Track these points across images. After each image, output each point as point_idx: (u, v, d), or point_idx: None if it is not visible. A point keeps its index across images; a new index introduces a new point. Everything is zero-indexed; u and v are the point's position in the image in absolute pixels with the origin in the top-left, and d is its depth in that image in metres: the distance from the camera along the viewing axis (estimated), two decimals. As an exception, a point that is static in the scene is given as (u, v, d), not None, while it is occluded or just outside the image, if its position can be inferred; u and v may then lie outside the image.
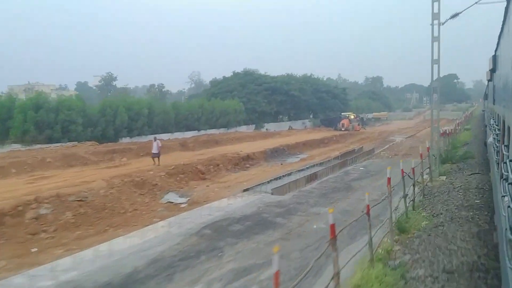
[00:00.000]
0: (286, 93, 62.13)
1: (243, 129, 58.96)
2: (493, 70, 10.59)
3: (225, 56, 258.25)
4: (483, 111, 49.07)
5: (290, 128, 61.95)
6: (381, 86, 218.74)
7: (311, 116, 74.63)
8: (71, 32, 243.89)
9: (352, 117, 71.32)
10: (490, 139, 12.71)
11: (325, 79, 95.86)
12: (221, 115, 56.37)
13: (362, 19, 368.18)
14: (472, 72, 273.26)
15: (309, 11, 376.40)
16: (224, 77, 73.88)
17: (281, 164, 30.60)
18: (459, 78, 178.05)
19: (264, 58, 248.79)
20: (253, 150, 33.47)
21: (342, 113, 69.71)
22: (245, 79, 67.65)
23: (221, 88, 67.57)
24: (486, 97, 32.65)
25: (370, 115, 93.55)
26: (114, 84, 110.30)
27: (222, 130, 55.05)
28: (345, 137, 51.83)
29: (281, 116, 67.58)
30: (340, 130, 58.96)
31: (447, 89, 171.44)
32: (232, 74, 72.46)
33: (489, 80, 14.18)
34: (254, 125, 62.23)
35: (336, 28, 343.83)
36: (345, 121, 60.54)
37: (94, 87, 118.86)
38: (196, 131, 51.33)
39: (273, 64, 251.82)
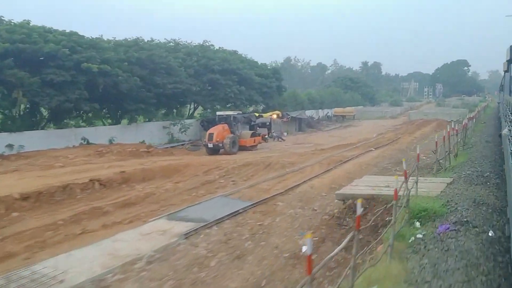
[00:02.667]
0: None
1: None
2: (510, 61, 11.17)
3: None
4: (499, 103, 44.87)
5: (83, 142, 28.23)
6: (379, 74, 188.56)
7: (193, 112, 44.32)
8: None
9: (275, 116, 42.53)
10: (505, 131, 11.34)
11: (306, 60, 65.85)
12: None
13: None
14: (488, 62, 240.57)
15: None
16: None
17: None
18: (470, 65, 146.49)
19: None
20: None
21: (254, 113, 40.67)
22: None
23: None
24: (502, 88, 30.96)
25: (329, 111, 64.44)
26: None
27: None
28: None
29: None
30: (207, 147, 29.54)
31: (454, 78, 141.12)
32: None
33: (505, 71, 13.95)
34: None
35: (332, 6, 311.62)
36: (216, 130, 29.64)
37: None
38: None
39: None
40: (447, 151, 17.65)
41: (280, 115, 43.31)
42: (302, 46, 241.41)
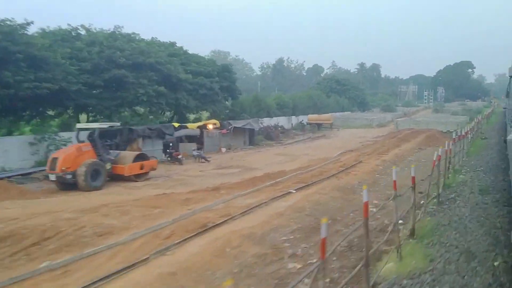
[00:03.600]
0: None
1: None
2: None
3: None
4: (504, 108, 43.20)
5: None
6: (378, 76, 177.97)
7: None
8: None
9: (211, 127, 32.37)
10: (510, 136, 10.62)
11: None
12: None
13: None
14: (495, 65, 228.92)
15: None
16: None
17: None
18: (474, 67, 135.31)
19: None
20: None
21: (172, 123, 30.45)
22: None
23: None
24: (508, 94, 30.17)
25: (304, 119, 54.09)
26: None
27: None
28: None
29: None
30: (57, 179, 19.24)
31: (457, 81, 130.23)
32: None
33: (511, 76, 13.35)
34: None
35: (331, 7, 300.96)
36: (64, 153, 17.98)
37: None
38: None
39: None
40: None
41: (218, 125, 33.19)
42: (300, 49, 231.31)
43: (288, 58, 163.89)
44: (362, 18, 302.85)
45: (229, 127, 33.21)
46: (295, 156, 29.36)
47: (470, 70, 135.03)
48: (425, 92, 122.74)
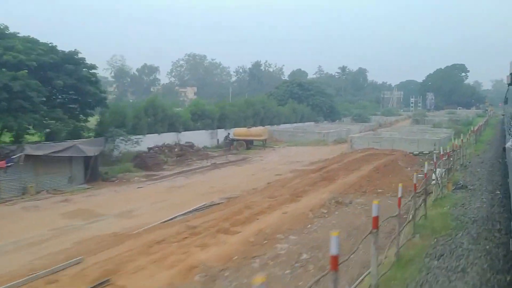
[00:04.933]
0: None
1: None
2: None
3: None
4: (503, 115, 40.35)
5: None
6: (364, 82, 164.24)
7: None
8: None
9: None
10: (509, 144, 11.12)
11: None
12: None
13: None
14: (491, 70, 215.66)
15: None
16: None
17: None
18: (468, 71, 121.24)
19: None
20: None
21: None
22: None
23: None
24: (506, 101, 29.38)
25: (229, 132, 39.69)
26: None
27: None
28: None
29: None
30: None
31: (448, 87, 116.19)
32: None
33: (509, 84, 13.85)
34: None
35: (321, 12, 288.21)
36: None
37: None
38: None
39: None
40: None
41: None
42: (286, 53, 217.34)
43: (266, 61, 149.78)
44: (352, 21, 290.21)
45: (14, 157, 18.76)
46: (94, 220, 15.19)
47: (463, 74, 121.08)
48: (411, 99, 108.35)
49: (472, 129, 37.71)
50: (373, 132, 42.92)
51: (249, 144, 38.02)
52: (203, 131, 38.96)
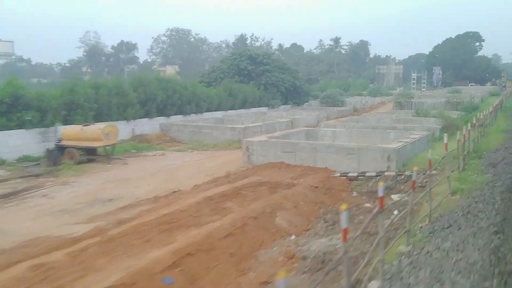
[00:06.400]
0: None
1: None
2: None
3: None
4: None
5: None
6: (366, 56, 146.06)
7: None
8: None
9: None
10: None
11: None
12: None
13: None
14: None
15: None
16: None
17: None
18: (483, 40, 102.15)
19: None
20: None
21: None
22: None
23: None
24: None
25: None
26: None
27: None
28: None
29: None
30: None
31: (460, 59, 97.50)
32: None
33: None
34: None
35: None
36: None
37: None
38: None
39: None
40: None
41: None
42: (285, 25, 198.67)
43: (253, 35, 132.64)
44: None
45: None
46: None
47: (477, 44, 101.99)
48: (412, 74, 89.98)
49: (474, 119, 21.15)
50: (308, 129, 26.65)
51: (90, 154, 22.47)
52: (23, 131, 23.54)
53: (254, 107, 45.08)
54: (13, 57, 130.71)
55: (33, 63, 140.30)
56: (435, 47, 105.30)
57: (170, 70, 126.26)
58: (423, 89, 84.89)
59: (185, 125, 30.32)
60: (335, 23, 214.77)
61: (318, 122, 37.21)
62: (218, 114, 38.65)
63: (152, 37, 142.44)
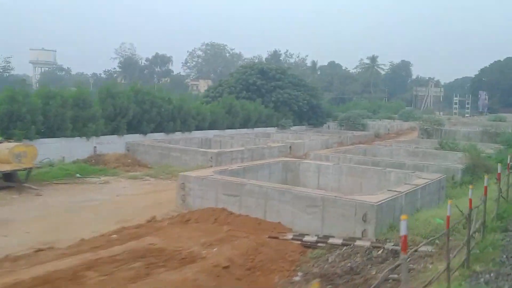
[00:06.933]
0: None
1: None
2: None
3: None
4: None
5: None
6: (407, 77, 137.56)
7: None
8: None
9: None
10: None
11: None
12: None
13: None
14: None
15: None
16: None
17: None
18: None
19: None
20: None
21: None
22: None
23: None
24: None
25: None
26: None
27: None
28: None
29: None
30: None
31: (509, 82, 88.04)
32: None
33: None
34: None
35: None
36: None
37: None
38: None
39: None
40: None
41: None
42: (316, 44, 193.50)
43: (287, 51, 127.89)
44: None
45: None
46: None
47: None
48: (454, 98, 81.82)
49: (509, 158, 14.26)
50: (286, 160, 20.87)
51: (7, 180, 17.87)
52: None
53: (260, 127, 39.81)
54: (54, 66, 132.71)
55: (73, 72, 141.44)
56: (482, 70, 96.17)
57: (203, 84, 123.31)
58: (467, 115, 76.80)
59: (152, 146, 25.35)
60: (377, 42, 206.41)
61: (326, 148, 31.54)
62: (211, 133, 33.59)
63: (187, 51, 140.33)
